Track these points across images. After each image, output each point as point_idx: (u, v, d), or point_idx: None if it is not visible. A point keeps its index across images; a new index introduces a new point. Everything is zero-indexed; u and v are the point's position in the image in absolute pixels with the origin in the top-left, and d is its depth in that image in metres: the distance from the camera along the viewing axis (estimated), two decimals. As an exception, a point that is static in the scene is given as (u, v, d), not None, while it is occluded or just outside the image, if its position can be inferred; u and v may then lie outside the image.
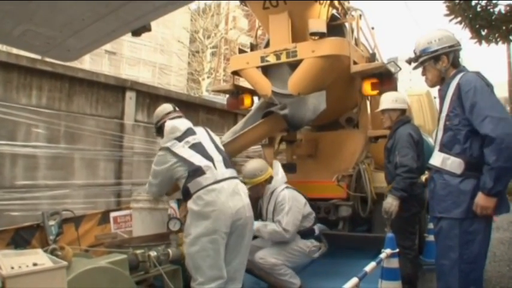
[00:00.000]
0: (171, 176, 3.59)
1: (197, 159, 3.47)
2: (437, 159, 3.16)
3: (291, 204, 4.38)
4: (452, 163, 3.04)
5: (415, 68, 3.40)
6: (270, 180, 4.63)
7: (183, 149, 3.53)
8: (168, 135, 3.64)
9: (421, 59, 3.29)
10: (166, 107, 4.04)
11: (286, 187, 4.59)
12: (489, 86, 3.03)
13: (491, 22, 6.89)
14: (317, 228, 4.75)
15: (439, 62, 3.22)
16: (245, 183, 4.38)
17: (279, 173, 4.73)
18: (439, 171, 3.16)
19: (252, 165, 4.65)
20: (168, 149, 3.57)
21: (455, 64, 3.23)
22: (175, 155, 3.52)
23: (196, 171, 3.40)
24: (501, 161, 2.78)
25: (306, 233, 4.60)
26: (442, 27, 3.45)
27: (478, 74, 3.12)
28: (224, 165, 3.56)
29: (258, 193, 4.61)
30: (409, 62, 3.45)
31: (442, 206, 3.08)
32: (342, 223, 5.36)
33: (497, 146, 2.78)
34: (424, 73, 3.37)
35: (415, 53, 3.37)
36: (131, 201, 4.13)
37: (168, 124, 3.72)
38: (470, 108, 2.92)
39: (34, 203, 5.06)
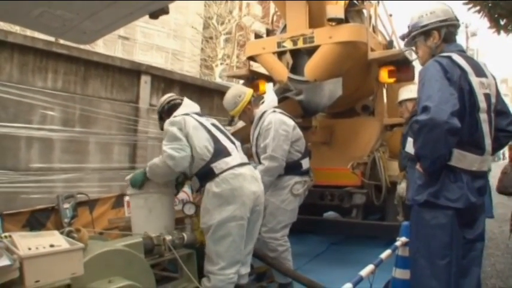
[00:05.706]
0: (196, 137, 3.32)
1: (221, 138, 3.42)
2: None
3: (277, 128, 4.04)
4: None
5: (407, 45, 3.14)
6: (255, 101, 4.31)
7: (206, 122, 3.46)
8: (185, 108, 3.55)
9: (411, 34, 3.01)
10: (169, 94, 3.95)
11: (273, 111, 4.23)
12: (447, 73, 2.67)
13: (511, 11, 6.76)
14: (306, 162, 4.35)
15: (429, 38, 2.93)
16: (233, 117, 4.41)
17: (268, 97, 4.43)
18: None
19: (229, 94, 4.29)
20: (189, 115, 3.43)
21: (448, 40, 2.91)
22: (199, 122, 3.40)
23: (222, 151, 3.33)
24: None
25: (289, 168, 4.19)
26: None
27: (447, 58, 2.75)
28: (241, 151, 3.56)
29: (249, 118, 4.34)
30: (402, 38, 3.19)
31: None
32: (355, 211, 5.35)
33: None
34: (416, 50, 3.10)
35: (408, 28, 3.09)
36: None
37: (187, 101, 3.68)
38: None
39: (49, 185, 5.08)
